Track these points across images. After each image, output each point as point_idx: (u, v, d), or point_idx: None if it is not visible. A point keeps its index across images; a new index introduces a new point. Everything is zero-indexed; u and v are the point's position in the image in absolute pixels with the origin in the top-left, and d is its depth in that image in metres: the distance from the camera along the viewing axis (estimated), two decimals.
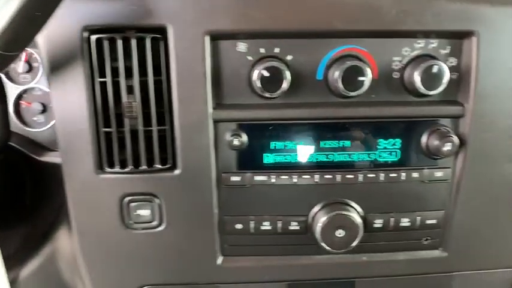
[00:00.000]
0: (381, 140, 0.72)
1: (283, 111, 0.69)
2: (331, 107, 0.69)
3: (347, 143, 0.72)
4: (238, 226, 0.74)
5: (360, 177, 0.72)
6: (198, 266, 0.75)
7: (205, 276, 0.76)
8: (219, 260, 0.76)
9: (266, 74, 0.65)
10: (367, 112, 0.69)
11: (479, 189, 0.73)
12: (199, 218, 0.72)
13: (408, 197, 0.73)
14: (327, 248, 0.71)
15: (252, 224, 0.74)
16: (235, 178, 0.72)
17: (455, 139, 0.68)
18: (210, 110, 0.67)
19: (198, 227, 0.73)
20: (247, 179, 0.72)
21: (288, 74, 0.65)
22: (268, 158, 0.72)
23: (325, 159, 0.72)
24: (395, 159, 0.73)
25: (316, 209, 0.73)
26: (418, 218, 0.74)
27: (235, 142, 0.70)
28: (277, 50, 0.67)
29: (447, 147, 0.69)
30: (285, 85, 0.65)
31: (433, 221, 0.75)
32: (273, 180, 0.71)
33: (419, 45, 0.68)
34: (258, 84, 0.65)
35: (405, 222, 0.74)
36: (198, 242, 0.74)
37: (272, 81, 0.65)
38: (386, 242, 0.76)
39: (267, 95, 0.66)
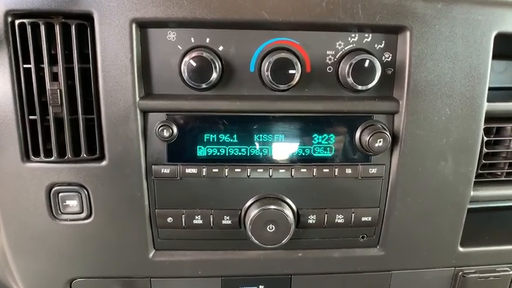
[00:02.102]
0: (316, 134, 0.71)
1: (214, 102, 0.67)
2: (263, 100, 0.67)
3: (281, 137, 0.71)
4: (170, 220, 0.72)
5: (293, 172, 0.71)
6: (130, 259, 0.74)
7: (137, 270, 0.75)
8: (151, 253, 0.74)
9: (194, 64, 0.63)
10: (300, 106, 0.68)
11: (414, 187, 0.72)
12: (130, 210, 0.70)
13: (342, 193, 0.73)
14: (258, 243, 0.70)
15: (183, 218, 0.72)
16: (165, 170, 0.70)
17: (387, 135, 0.67)
18: (137, 99, 0.65)
19: (128, 219, 0.71)
20: (179, 172, 0.70)
21: (218, 65, 0.64)
22: (201, 151, 0.71)
23: (259, 153, 0.71)
24: (329, 154, 0.72)
25: (248, 203, 0.72)
26: (353, 215, 0.74)
27: (165, 133, 0.68)
28: (208, 40, 0.65)
29: (379, 143, 0.68)
30: (215, 76, 0.64)
31: (368, 218, 0.74)
32: (205, 174, 0.70)
33: (354, 39, 0.67)
34: (186, 74, 0.63)
35: (340, 218, 0.74)
36: (129, 235, 0.72)
37: (201, 71, 0.63)
38: (322, 239, 0.76)
39: (195, 85, 0.64)
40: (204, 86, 0.64)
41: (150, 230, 0.72)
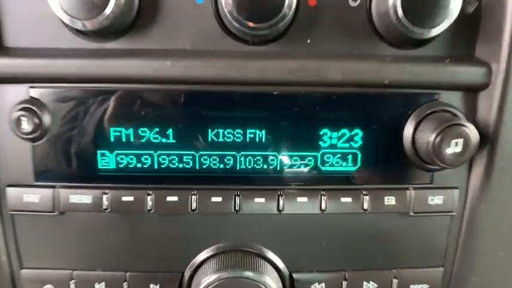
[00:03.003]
0: (326, 130, 0.45)
1: (123, 63, 0.42)
2: (224, 59, 0.43)
3: (259, 134, 0.45)
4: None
5: (283, 202, 0.46)
6: None
7: None
8: None
9: None
10: (295, 72, 0.43)
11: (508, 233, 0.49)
12: None
13: (376, 242, 0.48)
14: None
15: (73, 287, 0.46)
16: (31, 198, 0.44)
17: (471, 131, 0.42)
18: None
19: None
20: (56, 200, 0.44)
21: None
22: (103, 161, 0.45)
23: (216, 165, 0.46)
24: (353, 168, 0.46)
25: (195, 262, 0.46)
26: (395, 282, 0.48)
27: (25, 125, 0.42)
28: None
29: (453, 147, 0.41)
30: (113, 10, 0.38)
31: None
32: (108, 205, 0.44)
33: None
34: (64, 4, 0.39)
35: None
36: None
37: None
38: None
39: (82, 27, 0.39)
40: (97, 26, 0.39)
41: None
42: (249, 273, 0.43)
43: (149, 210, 0.44)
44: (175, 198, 0.45)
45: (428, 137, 0.42)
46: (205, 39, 0.43)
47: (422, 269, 0.49)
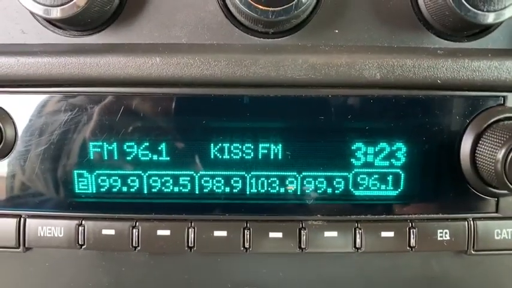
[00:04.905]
0: (360, 144, 0.37)
1: (100, 59, 0.34)
2: (231, 53, 0.35)
3: (275, 149, 0.37)
4: None
5: (306, 238, 0.37)
6: None
7: None
8: None
9: None
10: (320, 69, 0.35)
11: None
12: None
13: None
14: None
15: None
16: None
17: None
18: None
19: None
20: (20, 233, 0.37)
21: None
22: (82, 183, 0.37)
23: (219, 190, 0.38)
24: (394, 192, 0.37)
25: None
26: None
27: None
28: None
29: None
30: None
31: None
32: (84, 237, 0.36)
33: None
34: None
35: None
36: None
37: None
38: None
39: (50, 12, 0.32)
40: (70, 13, 0.32)
41: None
42: None
43: (135, 248, 0.36)
44: (167, 232, 0.37)
45: (495, 152, 0.34)
46: (205, 30, 0.36)
47: None
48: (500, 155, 0.34)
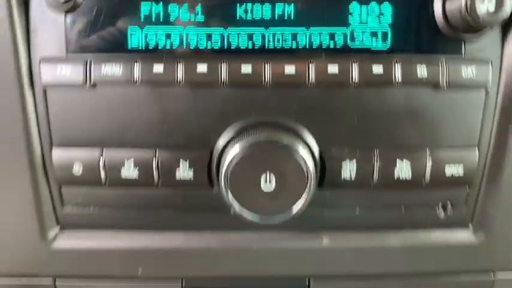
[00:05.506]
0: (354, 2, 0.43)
1: None
2: None
3: (288, 8, 0.43)
4: (78, 168, 0.45)
5: (313, 70, 0.43)
6: (18, 246, 0.49)
7: (29, 265, 0.50)
8: (52, 234, 0.49)
9: None
10: None
11: None
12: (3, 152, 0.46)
13: (408, 117, 0.45)
14: (245, 213, 0.43)
15: (102, 164, 0.45)
16: (64, 70, 0.43)
17: None
18: None
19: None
20: (87, 73, 0.43)
21: None
22: (134, 37, 0.44)
23: (245, 41, 0.44)
24: (383, 44, 0.44)
25: (225, 137, 0.45)
26: (429, 160, 0.45)
27: None
28: None
29: (487, 3, 0.38)
30: None
31: (457, 169, 0.45)
32: (139, 76, 0.43)
33: None
34: None
35: (403, 168, 0.45)
36: (9, 202, 0.47)
37: None
38: (367, 210, 0.49)
39: None
40: None
41: (47, 189, 0.47)
42: (276, 139, 0.41)
43: (179, 82, 0.42)
44: (203, 68, 0.43)
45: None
46: None
47: (457, 148, 0.45)
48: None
